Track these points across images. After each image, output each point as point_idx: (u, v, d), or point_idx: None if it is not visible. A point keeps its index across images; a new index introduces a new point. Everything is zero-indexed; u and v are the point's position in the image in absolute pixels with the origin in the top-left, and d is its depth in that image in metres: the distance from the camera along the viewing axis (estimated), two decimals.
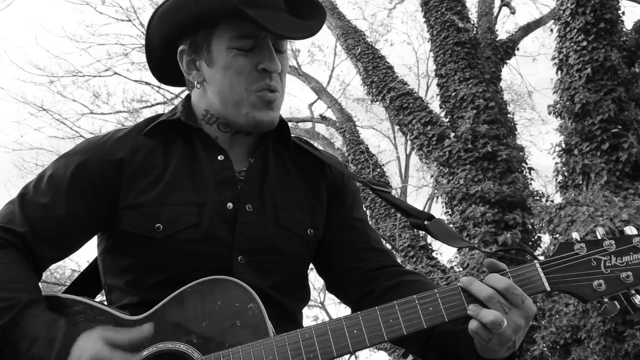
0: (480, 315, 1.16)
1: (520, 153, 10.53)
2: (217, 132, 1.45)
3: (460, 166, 10.07)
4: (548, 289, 1.21)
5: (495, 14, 14.01)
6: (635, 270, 1.19)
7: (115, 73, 15.10)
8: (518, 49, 13.64)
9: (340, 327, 1.19)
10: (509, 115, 11.72)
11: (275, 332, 1.22)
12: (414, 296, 1.21)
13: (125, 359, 1.19)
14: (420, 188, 20.45)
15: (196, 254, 1.33)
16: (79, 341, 1.19)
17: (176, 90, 13.77)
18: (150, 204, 1.34)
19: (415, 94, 11.84)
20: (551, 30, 10.02)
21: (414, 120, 11.05)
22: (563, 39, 9.29)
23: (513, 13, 15.27)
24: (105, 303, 1.40)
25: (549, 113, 9.49)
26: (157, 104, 15.47)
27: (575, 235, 1.25)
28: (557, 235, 7.48)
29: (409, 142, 15.55)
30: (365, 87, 12.30)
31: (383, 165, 13.47)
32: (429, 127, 10.79)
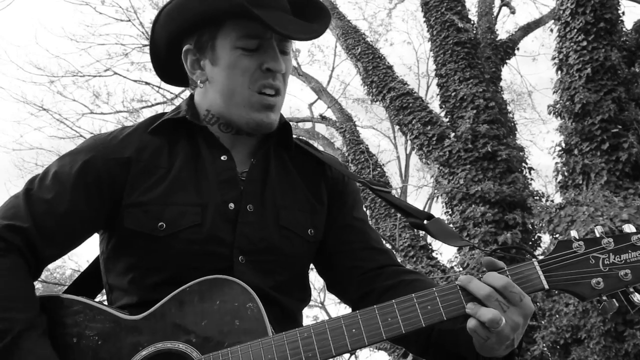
0: (478, 314, 1.16)
1: (520, 153, 10.53)
2: (218, 132, 1.46)
3: (460, 166, 10.08)
4: (546, 287, 1.21)
5: (495, 14, 14.01)
6: (634, 268, 1.20)
7: (115, 73, 15.11)
8: (518, 49, 13.65)
9: (339, 326, 1.19)
10: (509, 115, 11.72)
11: (275, 332, 1.22)
12: (412, 295, 1.22)
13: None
14: (420, 188, 20.47)
15: (198, 253, 1.33)
16: None
17: (176, 90, 13.79)
18: (153, 202, 1.34)
19: (415, 94, 11.84)
20: (551, 30, 10.03)
21: (414, 120, 11.05)
22: (563, 39, 9.29)
23: (513, 13, 15.27)
24: (106, 303, 1.40)
25: (549, 113, 9.49)
26: (157, 103, 15.48)
27: (573, 233, 1.25)
28: (557, 235, 7.48)
29: (409, 142, 15.55)
30: (365, 87, 12.30)
31: (383, 165, 13.48)
32: (429, 127, 10.79)
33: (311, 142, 1.66)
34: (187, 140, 1.44)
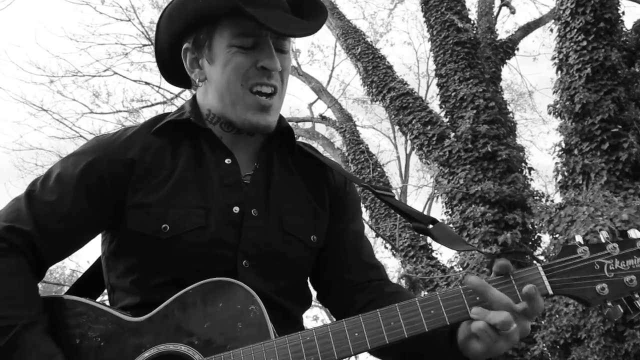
0: (488, 318, 1.15)
1: (520, 153, 10.52)
2: (221, 132, 1.45)
3: (460, 166, 10.07)
4: (550, 292, 1.20)
5: (495, 14, 14.00)
6: (639, 274, 1.18)
7: (115, 73, 15.10)
8: (518, 49, 13.64)
9: (342, 329, 1.19)
10: (509, 115, 11.71)
11: (278, 335, 1.22)
12: (416, 299, 1.21)
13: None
14: (420, 188, 20.47)
15: (201, 256, 1.33)
16: None
17: (176, 90, 13.78)
18: (157, 204, 1.34)
19: (415, 94, 11.83)
20: (551, 30, 10.01)
21: (414, 120, 11.05)
22: (563, 39, 9.29)
23: (513, 13, 15.26)
24: (108, 304, 1.40)
25: (549, 113, 9.49)
26: (157, 103, 15.48)
27: (578, 238, 1.24)
28: (557, 235, 7.48)
29: (409, 142, 15.55)
30: (365, 87, 12.29)
31: (383, 165, 13.47)
32: (429, 127, 10.78)
33: (311, 142, 1.65)
34: (190, 142, 1.43)
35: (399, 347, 1.31)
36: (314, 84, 16.02)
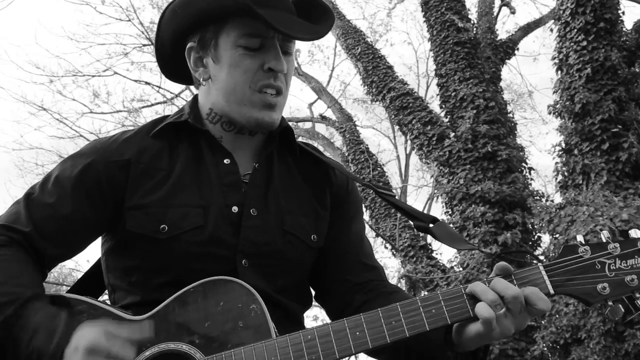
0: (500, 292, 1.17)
1: (520, 153, 10.53)
2: (221, 131, 1.45)
3: (460, 166, 10.07)
4: (552, 292, 1.21)
5: (495, 14, 14.00)
6: None
7: (115, 73, 15.10)
8: (518, 49, 13.64)
9: (343, 328, 1.19)
10: (509, 115, 11.71)
11: (279, 334, 1.22)
12: (417, 299, 1.22)
13: (123, 350, 1.18)
14: (420, 188, 20.47)
15: (200, 255, 1.33)
16: (79, 330, 1.18)
17: (176, 90, 13.78)
18: (155, 204, 1.34)
19: (415, 94, 11.83)
20: (551, 30, 10.02)
21: (414, 120, 11.05)
22: (563, 39, 9.29)
23: (513, 13, 15.26)
24: (109, 303, 1.40)
25: (549, 113, 9.49)
26: (157, 103, 15.48)
27: (579, 238, 1.24)
28: (557, 235, 7.48)
29: (409, 141, 15.55)
30: (365, 87, 12.29)
31: (383, 165, 13.47)
32: (429, 127, 10.79)
33: (311, 142, 1.66)
34: (188, 143, 1.44)
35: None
36: (314, 84, 16.02)
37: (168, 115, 1.52)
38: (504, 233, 8.98)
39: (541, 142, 33.55)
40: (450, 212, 10.12)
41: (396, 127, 15.48)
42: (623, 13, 9.38)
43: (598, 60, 8.80)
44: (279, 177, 1.47)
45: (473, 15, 12.53)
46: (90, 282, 1.54)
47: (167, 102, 14.93)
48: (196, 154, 1.42)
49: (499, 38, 13.26)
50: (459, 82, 10.79)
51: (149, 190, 1.36)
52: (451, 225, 9.36)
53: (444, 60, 11.14)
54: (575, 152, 8.85)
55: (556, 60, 9.40)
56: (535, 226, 9.02)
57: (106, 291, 1.49)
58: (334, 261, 1.49)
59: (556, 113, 9.30)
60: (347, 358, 1.22)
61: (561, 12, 9.32)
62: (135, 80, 15.11)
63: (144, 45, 15.02)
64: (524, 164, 10.38)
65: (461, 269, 9.61)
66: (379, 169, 12.71)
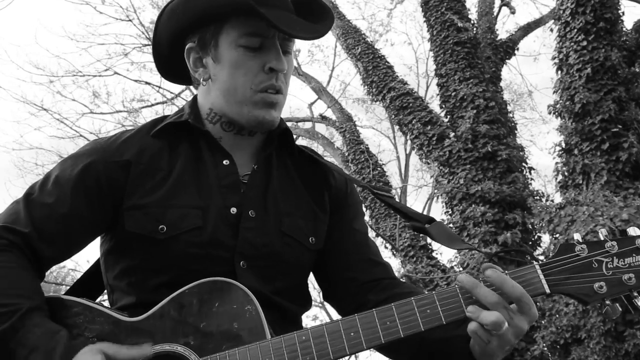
0: (480, 317, 1.15)
1: (520, 153, 10.52)
2: (220, 131, 1.45)
3: (460, 166, 10.07)
4: (548, 291, 1.19)
5: (495, 13, 14.00)
6: (638, 272, 1.17)
7: (116, 73, 15.10)
8: (518, 49, 13.64)
9: (337, 329, 1.19)
10: (509, 115, 11.71)
11: (275, 335, 1.21)
12: (412, 298, 1.21)
13: None
14: (420, 188, 20.48)
15: (199, 257, 1.33)
16: (79, 355, 1.17)
17: (176, 90, 13.78)
18: (154, 205, 1.34)
19: (415, 94, 11.83)
20: (551, 30, 10.02)
21: (414, 120, 11.05)
22: (563, 39, 9.29)
23: (513, 13, 15.26)
24: (106, 304, 1.40)
25: (549, 113, 9.49)
26: (157, 103, 15.49)
27: (577, 236, 1.23)
28: (557, 235, 7.48)
29: (409, 142, 15.55)
30: (365, 87, 12.29)
31: (383, 165, 13.46)
32: (429, 127, 10.79)
33: (311, 142, 1.65)
34: (188, 143, 1.43)
35: (412, 346, 1.31)
36: (314, 84, 16.01)
37: (168, 116, 1.52)
38: (504, 233, 8.97)
39: (541, 142, 33.58)
40: (450, 212, 10.12)
41: (396, 127, 15.48)
42: (623, 13, 9.38)
43: (598, 60, 8.80)
44: (278, 179, 1.46)
45: (473, 15, 12.54)
46: (90, 283, 1.53)
47: (167, 102, 14.93)
48: (196, 155, 1.42)
49: (499, 38, 13.26)
50: (459, 82, 10.78)
51: (149, 190, 1.35)
52: (450, 226, 9.38)
53: (444, 60, 11.14)
54: (575, 152, 8.85)
55: (556, 60, 9.40)
56: (535, 226, 9.02)
57: (105, 291, 1.49)
58: (341, 261, 1.49)
59: (556, 113, 9.30)
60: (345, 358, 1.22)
61: (561, 12, 9.32)
62: (135, 80, 15.13)
63: (144, 45, 15.02)
64: (524, 164, 10.38)
65: (461, 269, 9.61)
66: (379, 169, 12.71)
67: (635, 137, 8.42)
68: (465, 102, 10.59)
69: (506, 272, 1.21)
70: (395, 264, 11.20)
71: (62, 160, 1.45)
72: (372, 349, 1.28)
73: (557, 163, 9.07)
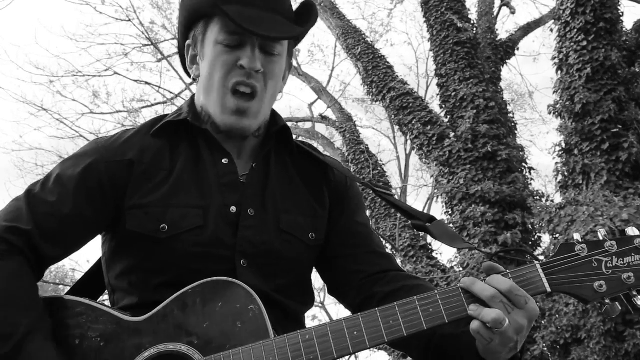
0: (481, 315, 1.16)
1: (521, 153, 10.53)
2: (213, 132, 1.45)
3: (460, 166, 10.07)
4: (549, 290, 1.21)
5: (495, 14, 14.00)
6: (637, 271, 1.19)
7: (116, 73, 15.10)
8: (518, 49, 13.64)
9: (341, 328, 1.19)
10: (509, 115, 11.72)
11: (278, 334, 1.22)
12: (414, 297, 1.22)
13: None
14: (420, 188, 20.48)
15: (200, 256, 1.33)
16: None
17: (176, 90, 13.77)
18: (155, 204, 1.34)
19: (415, 94, 11.83)
20: (551, 30, 10.02)
21: (414, 120, 11.05)
22: (563, 39, 9.29)
23: (513, 13, 15.26)
24: (108, 304, 1.40)
25: (549, 113, 9.49)
26: (157, 103, 15.48)
27: (576, 236, 1.24)
28: (557, 235, 7.48)
29: (409, 142, 15.54)
30: (365, 87, 12.29)
31: (383, 165, 13.46)
32: (429, 127, 10.79)
33: (311, 142, 1.65)
34: (188, 143, 1.44)
35: (422, 341, 1.33)
36: (314, 84, 16.01)
37: (167, 115, 1.52)
38: (504, 233, 8.98)
39: (541, 142, 33.54)
40: (450, 212, 10.12)
41: (396, 127, 15.48)
42: (623, 13, 9.38)
43: (598, 60, 8.80)
44: (277, 176, 1.47)
45: (473, 15, 12.54)
46: (91, 283, 1.54)
47: (167, 102, 14.93)
48: (195, 154, 1.43)
49: (499, 38, 13.25)
50: (459, 82, 10.79)
51: (150, 190, 1.36)
52: (450, 225, 9.37)
53: (444, 60, 11.14)
54: (576, 152, 8.85)
55: (556, 60, 9.40)
56: (535, 226, 9.02)
57: (106, 292, 1.50)
58: (346, 255, 1.50)
59: (556, 113, 9.30)
60: (345, 358, 1.22)
61: (561, 12, 9.32)
62: (135, 81, 15.13)
63: (144, 45, 15.02)
64: (524, 164, 10.38)
65: (461, 269, 9.61)
66: (379, 169, 12.71)
67: (635, 137, 8.42)
68: (465, 102, 10.59)
69: (508, 271, 1.22)
70: None
71: (63, 160, 1.45)
72: (373, 349, 1.28)
73: (557, 163, 9.07)
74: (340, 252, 1.50)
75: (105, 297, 1.53)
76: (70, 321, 1.27)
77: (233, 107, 1.39)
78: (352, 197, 1.57)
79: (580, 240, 1.23)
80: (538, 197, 9.71)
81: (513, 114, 12.42)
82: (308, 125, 16.99)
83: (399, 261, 11.05)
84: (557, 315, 7.44)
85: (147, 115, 15.23)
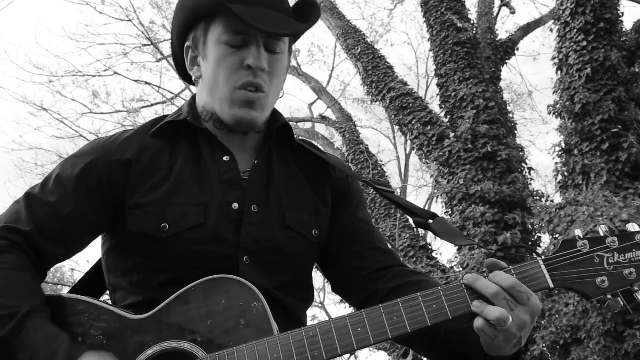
0: (485, 312, 1.16)
1: (520, 153, 10.53)
2: (215, 130, 1.46)
3: (460, 166, 10.07)
4: (551, 285, 1.21)
5: (495, 14, 14.01)
6: (638, 267, 1.20)
7: (115, 73, 15.09)
8: (518, 49, 13.64)
9: (345, 325, 1.19)
10: (509, 115, 11.72)
11: (280, 332, 1.22)
12: (418, 294, 1.22)
13: None
14: (420, 188, 20.48)
15: (202, 254, 1.33)
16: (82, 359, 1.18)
17: (176, 90, 13.77)
18: (156, 203, 1.34)
19: (415, 94, 11.83)
20: (551, 30, 10.02)
21: (414, 120, 11.05)
22: (563, 39, 9.29)
23: (513, 13, 15.26)
24: (110, 302, 1.40)
25: (549, 113, 9.49)
26: (157, 103, 15.48)
27: (578, 232, 1.25)
28: (557, 235, 7.48)
29: (409, 142, 15.55)
30: (365, 87, 12.29)
31: (383, 165, 13.47)
32: (429, 127, 10.79)
33: (312, 142, 1.66)
34: (188, 142, 1.44)
35: (427, 336, 1.33)
36: (314, 84, 16.01)
37: (167, 115, 1.53)
38: (503, 233, 8.97)
39: (541, 142, 33.54)
40: (450, 213, 10.12)
41: (396, 128, 15.47)
42: (623, 13, 9.39)
43: (598, 60, 8.81)
44: (279, 173, 1.47)
45: (473, 16, 12.54)
46: (91, 283, 1.54)
47: (167, 102, 14.93)
48: (195, 152, 1.43)
49: (499, 38, 13.26)
50: (459, 82, 10.79)
51: (150, 189, 1.36)
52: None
53: (443, 60, 11.14)
54: (575, 152, 8.85)
55: (556, 60, 9.40)
56: (535, 226, 9.02)
57: (107, 291, 1.49)
58: (348, 252, 1.50)
59: (556, 113, 9.30)
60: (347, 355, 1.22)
61: (561, 12, 9.32)
62: (135, 81, 15.12)
63: (144, 45, 15.02)
64: (524, 164, 10.38)
65: (461, 269, 9.61)
66: (379, 169, 12.70)
67: (635, 138, 8.43)
68: (465, 103, 10.59)
69: (511, 267, 1.23)
70: None
71: (62, 160, 1.45)
72: (374, 348, 1.28)
73: (557, 163, 9.07)
74: (342, 249, 1.50)
75: (105, 297, 1.53)
76: (73, 319, 1.27)
77: (243, 98, 1.39)
78: (353, 193, 1.57)
79: (581, 237, 1.24)
80: (538, 198, 9.71)
81: (513, 114, 12.43)
82: (308, 125, 16.99)
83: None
84: (557, 316, 7.44)
85: (147, 115, 15.25)
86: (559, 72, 9.36)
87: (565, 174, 8.89)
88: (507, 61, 13.20)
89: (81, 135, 14.11)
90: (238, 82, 1.38)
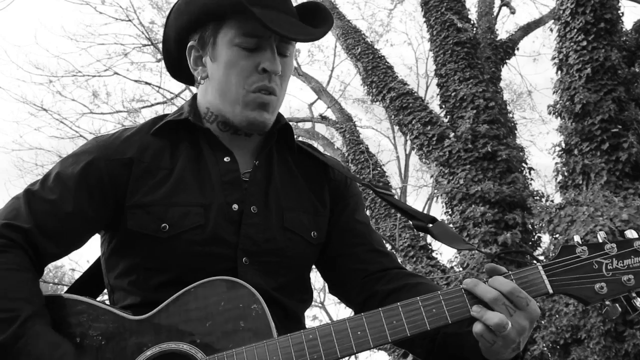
0: (484, 318, 1.16)
1: (520, 153, 10.53)
2: (217, 131, 1.46)
3: (460, 166, 10.07)
4: (550, 291, 1.22)
5: (495, 14, 14.00)
6: (637, 274, 1.21)
7: (115, 73, 15.09)
8: (518, 49, 13.64)
9: (344, 328, 1.19)
10: (509, 115, 11.72)
11: (279, 333, 1.22)
12: (418, 298, 1.22)
13: None
14: (420, 188, 20.49)
15: (201, 254, 1.33)
16: None
17: (176, 90, 13.77)
18: (156, 203, 1.34)
19: (415, 94, 11.83)
20: (551, 30, 10.03)
21: (414, 120, 11.05)
22: (563, 39, 9.29)
23: (513, 13, 15.25)
24: (108, 303, 1.40)
25: (549, 113, 9.50)
26: (157, 103, 15.48)
27: (577, 238, 1.26)
28: (557, 235, 7.48)
29: (409, 142, 15.55)
30: (365, 87, 12.29)
31: (383, 165, 13.47)
32: (429, 127, 10.79)
33: (311, 142, 1.66)
34: (189, 142, 1.44)
35: (426, 339, 1.33)
36: (314, 84, 16.01)
37: (167, 114, 1.52)
38: (504, 233, 8.98)
39: (541, 142, 33.56)
40: (450, 212, 10.12)
41: (396, 127, 15.48)
42: (623, 13, 9.39)
43: (598, 60, 8.81)
44: (279, 174, 1.47)
45: (473, 15, 12.54)
46: (90, 283, 1.53)
47: (167, 102, 14.93)
48: (196, 153, 1.43)
49: (499, 38, 13.25)
50: (458, 82, 10.79)
51: (151, 189, 1.36)
52: (451, 226, 9.38)
53: (443, 60, 11.14)
54: (575, 152, 8.86)
55: (556, 60, 9.41)
56: (535, 226, 9.03)
57: (105, 291, 1.49)
58: (346, 253, 1.50)
59: (556, 113, 9.31)
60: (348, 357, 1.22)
61: (561, 12, 9.32)
62: (135, 81, 15.12)
63: (144, 45, 15.02)
64: (524, 164, 10.38)
65: (461, 269, 9.61)
66: (379, 169, 12.71)
67: (635, 137, 8.43)
68: (465, 102, 10.59)
69: (510, 272, 1.23)
70: None
71: (63, 158, 1.44)
72: (374, 349, 1.28)
73: (557, 163, 9.08)
74: (341, 250, 1.50)
75: (104, 297, 1.52)
76: (71, 319, 1.27)
77: (259, 100, 1.39)
78: (351, 195, 1.57)
79: (580, 243, 1.25)
80: (538, 197, 9.72)
81: (513, 114, 12.43)
82: (308, 125, 16.99)
83: (399, 261, 11.07)
84: (557, 316, 7.44)
85: (147, 115, 15.23)
86: (559, 72, 9.36)
87: (565, 173, 8.89)
88: (507, 61, 13.20)
89: (81, 136, 14.11)
90: (252, 85, 1.37)
